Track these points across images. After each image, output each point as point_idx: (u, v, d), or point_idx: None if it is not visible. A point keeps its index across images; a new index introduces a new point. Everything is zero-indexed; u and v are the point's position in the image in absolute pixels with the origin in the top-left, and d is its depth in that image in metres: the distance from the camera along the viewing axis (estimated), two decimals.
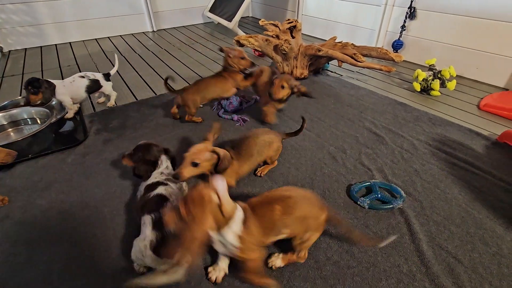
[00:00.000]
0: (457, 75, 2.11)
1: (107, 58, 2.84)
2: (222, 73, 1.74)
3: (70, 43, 3.29)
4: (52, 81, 1.66)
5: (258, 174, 1.33)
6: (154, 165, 1.12)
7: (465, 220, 1.11)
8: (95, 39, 3.43)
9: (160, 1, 3.66)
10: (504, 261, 0.97)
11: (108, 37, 3.49)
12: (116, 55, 2.08)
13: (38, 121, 1.69)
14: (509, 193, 1.23)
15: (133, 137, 1.64)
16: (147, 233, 0.88)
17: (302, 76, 2.35)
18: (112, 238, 1.06)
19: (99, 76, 1.84)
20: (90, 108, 1.96)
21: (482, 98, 2.00)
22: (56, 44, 3.24)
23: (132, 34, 3.62)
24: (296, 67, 2.33)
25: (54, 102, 1.74)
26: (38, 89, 1.58)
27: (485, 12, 2.09)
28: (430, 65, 2.10)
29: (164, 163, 1.13)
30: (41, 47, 3.16)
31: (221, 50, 1.76)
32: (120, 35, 3.56)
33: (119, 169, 1.39)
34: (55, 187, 1.29)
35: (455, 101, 2.01)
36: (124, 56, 2.88)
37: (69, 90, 1.73)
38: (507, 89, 2.13)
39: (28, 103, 1.62)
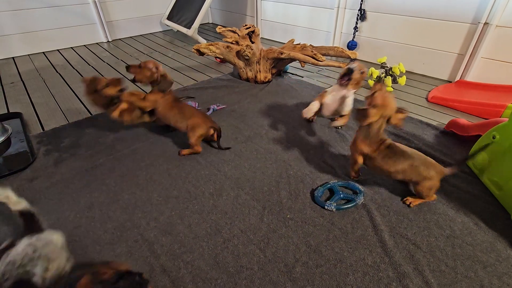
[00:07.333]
0: (406, 71, 2.26)
1: (57, 72, 2.64)
2: None
3: (13, 58, 3.02)
4: None
5: (407, 203, 1.19)
6: None
7: (421, 207, 1.18)
8: (43, 52, 3.19)
9: (113, 10, 3.50)
10: (456, 242, 1.04)
11: (58, 50, 3.26)
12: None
13: None
14: (457, 177, 1.33)
15: (89, 155, 1.53)
16: None
17: (266, 80, 2.37)
18: None
19: None
20: (38, 127, 1.80)
21: (429, 91, 2.16)
22: None
23: (84, 45, 3.42)
24: (260, 71, 2.34)
25: None
26: None
27: (425, 12, 2.27)
28: (381, 63, 2.23)
29: None
30: None
31: None
32: (72, 47, 3.35)
33: (74, 191, 1.29)
34: None
35: (406, 95, 2.14)
36: (76, 69, 2.70)
37: None
38: (450, 81, 2.32)
39: None
